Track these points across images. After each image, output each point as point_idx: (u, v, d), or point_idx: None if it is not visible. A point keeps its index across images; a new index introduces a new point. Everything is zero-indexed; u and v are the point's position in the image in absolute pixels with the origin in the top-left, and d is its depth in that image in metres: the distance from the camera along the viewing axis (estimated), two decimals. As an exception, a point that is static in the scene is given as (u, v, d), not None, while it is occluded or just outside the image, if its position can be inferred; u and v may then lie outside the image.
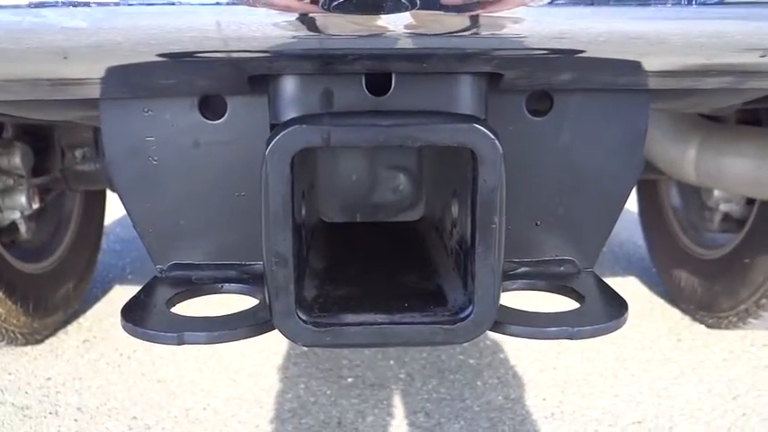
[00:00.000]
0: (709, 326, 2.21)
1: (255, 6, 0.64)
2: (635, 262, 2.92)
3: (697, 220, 2.31)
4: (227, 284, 0.95)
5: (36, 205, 2.01)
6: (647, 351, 2.08)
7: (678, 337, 2.19)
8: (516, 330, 0.81)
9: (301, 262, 0.85)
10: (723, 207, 2.12)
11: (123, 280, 2.78)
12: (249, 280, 0.96)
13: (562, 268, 1.00)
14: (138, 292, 0.91)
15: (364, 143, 0.70)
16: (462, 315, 0.77)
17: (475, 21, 0.66)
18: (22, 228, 2.03)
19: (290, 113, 0.80)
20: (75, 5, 0.64)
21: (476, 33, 0.67)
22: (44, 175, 2.06)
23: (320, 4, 0.64)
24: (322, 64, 0.76)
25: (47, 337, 2.18)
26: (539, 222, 0.97)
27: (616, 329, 0.83)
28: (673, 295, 2.43)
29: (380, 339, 0.77)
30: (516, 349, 2.07)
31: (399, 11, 0.64)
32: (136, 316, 0.84)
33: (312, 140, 0.69)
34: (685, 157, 1.70)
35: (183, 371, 1.95)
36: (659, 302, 2.47)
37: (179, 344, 0.78)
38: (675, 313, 2.37)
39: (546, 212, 0.97)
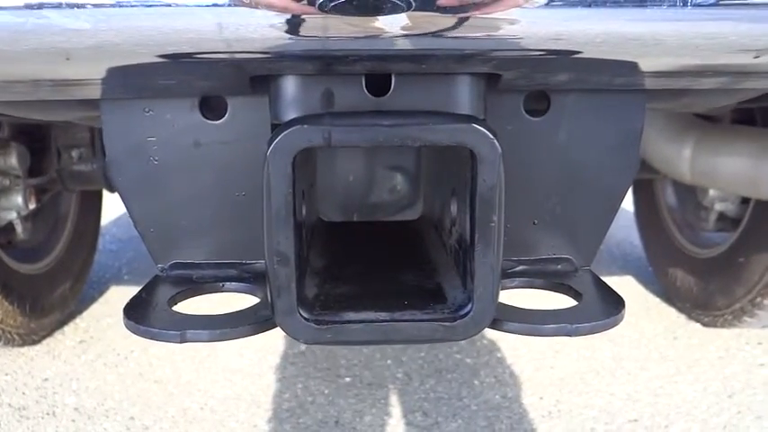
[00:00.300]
0: (704, 324, 2.23)
1: (255, 8, 0.65)
2: (631, 261, 2.93)
3: (692, 219, 2.32)
4: (227, 283, 0.96)
5: (32, 206, 2.02)
6: (644, 349, 2.09)
7: (674, 335, 2.20)
8: (515, 327, 0.82)
9: (302, 261, 0.85)
10: (718, 206, 2.13)
11: (120, 280, 2.78)
12: (250, 279, 0.96)
13: (560, 266, 1.00)
14: (140, 291, 0.91)
15: (365, 143, 0.71)
16: (462, 312, 0.78)
17: (473, 22, 0.66)
18: (19, 228, 2.02)
19: (291, 114, 0.80)
20: (78, 7, 0.64)
21: (474, 34, 0.68)
22: (40, 175, 2.06)
23: (317, 5, 0.64)
24: (323, 65, 0.76)
25: (43, 337, 2.18)
26: (536, 221, 0.98)
27: (614, 326, 0.84)
28: (669, 294, 2.44)
29: (381, 336, 0.78)
30: (513, 348, 2.08)
31: (396, 12, 0.65)
32: (138, 314, 0.84)
33: (314, 140, 0.69)
34: (681, 157, 1.71)
35: (180, 371, 1.96)
36: (655, 301, 2.49)
37: (181, 342, 0.79)
38: (671, 312, 2.38)
39: (543, 211, 0.98)
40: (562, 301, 0.91)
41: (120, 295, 2.61)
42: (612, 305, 0.88)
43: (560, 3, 0.67)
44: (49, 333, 2.21)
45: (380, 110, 0.81)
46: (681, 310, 2.36)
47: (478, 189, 0.72)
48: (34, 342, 2.13)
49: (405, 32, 0.67)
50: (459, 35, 0.68)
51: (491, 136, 0.70)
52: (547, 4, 0.67)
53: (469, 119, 0.73)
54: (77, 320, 2.35)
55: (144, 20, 0.66)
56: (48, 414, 1.74)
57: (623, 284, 2.65)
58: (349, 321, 0.77)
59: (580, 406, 1.76)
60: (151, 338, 0.80)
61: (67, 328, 2.29)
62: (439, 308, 0.81)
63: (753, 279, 1.95)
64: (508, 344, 2.10)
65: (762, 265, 1.92)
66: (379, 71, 0.80)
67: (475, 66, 0.78)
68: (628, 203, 2.79)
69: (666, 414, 1.72)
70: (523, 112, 0.93)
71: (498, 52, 0.72)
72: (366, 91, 0.81)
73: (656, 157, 1.81)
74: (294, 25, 0.67)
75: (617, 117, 0.93)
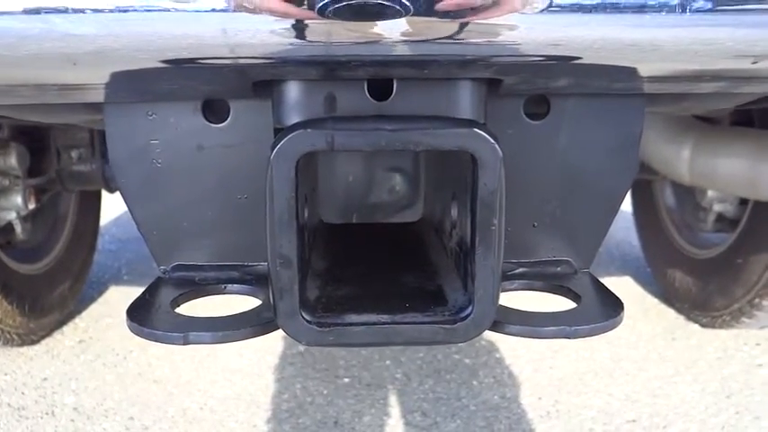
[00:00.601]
0: (703, 325, 2.23)
1: (257, 13, 0.65)
2: (630, 262, 2.93)
3: (691, 220, 2.32)
4: (229, 285, 0.96)
5: (32, 206, 2.02)
6: (642, 350, 2.10)
7: (673, 336, 2.21)
8: (515, 330, 0.82)
9: (304, 263, 0.86)
10: (717, 207, 2.13)
11: (119, 281, 2.78)
12: (252, 281, 0.97)
13: (559, 269, 1.01)
14: (143, 293, 0.92)
15: (368, 147, 0.72)
16: (462, 315, 0.79)
17: (473, 27, 0.67)
18: (18, 228, 2.03)
19: (293, 118, 0.81)
20: (84, 12, 0.64)
21: (474, 40, 0.68)
22: (40, 175, 2.06)
23: (316, 10, 0.65)
24: (325, 70, 0.77)
25: (43, 337, 2.19)
26: (536, 224, 0.99)
27: (612, 328, 0.85)
28: (667, 295, 2.44)
29: (383, 338, 0.78)
30: (512, 349, 2.08)
31: (395, 17, 0.65)
32: (141, 316, 0.85)
33: (317, 144, 0.70)
34: (679, 158, 1.71)
35: (179, 371, 1.96)
36: (654, 302, 2.49)
37: (184, 344, 0.79)
38: (670, 313, 2.39)
39: (543, 214, 0.98)
40: (562, 304, 0.92)
41: (119, 295, 2.61)
42: (611, 307, 0.88)
43: (557, 8, 0.67)
44: (49, 333, 2.21)
45: (383, 114, 0.81)
46: (679, 310, 2.36)
47: (479, 193, 0.72)
48: (33, 342, 2.13)
49: (405, 38, 0.67)
50: (459, 41, 0.68)
51: (492, 140, 0.70)
52: (545, 9, 0.67)
53: (471, 123, 0.74)
54: (77, 320, 2.35)
55: (147, 25, 0.66)
56: (47, 414, 1.74)
57: (622, 285, 2.65)
58: (351, 324, 0.78)
59: (578, 406, 1.76)
60: (155, 341, 0.80)
61: (67, 328, 2.29)
62: (440, 310, 0.82)
63: (751, 280, 1.95)
64: (507, 344, 2.10)
65: (760, 266, 1.92)
66: (381, 76, 0.80)
67: (476, 71, 0.79)
68: (626, 204, 2.80)
69: (665, 415, 1.72)
70: (524, 116, 0.93)
71: (498, 58, 0.73)
72: (368, 95, 0.82)
73: (655, 158, 1.81)
74: (296, 31, 0.67)
75: (616, 121, 0.94)
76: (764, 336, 2.18)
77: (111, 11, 0.65)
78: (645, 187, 2.53)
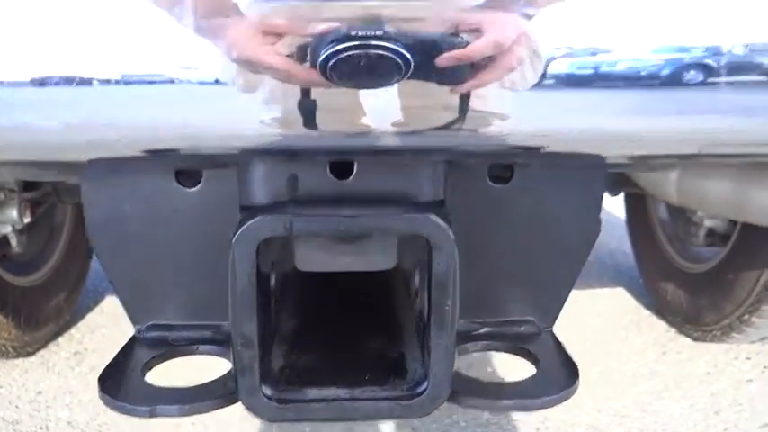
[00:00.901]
0: (694, 339, 2.23)
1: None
2: (623, 272, 2.93)
3: (683, 234, 2.32)
4: (202, 346, 0.98)
5: (27, 219, 2.01)
6: (633, 364, 2.10)
7: (663, 349, 2.21)
8: (472, 402, 0.85)
9: (266, 339, 0.87)
10: (708, 222, 2.13)
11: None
12: (223, 342, 0.98)
13: (523, 328, 1.03)
14: (117, 355, 0.94)
15: (326, 232, 0.74)
16: (419, 390, 0.81)
17: (441, 119, 0.69)
18: (14, 242, 2.03)
19: (258, 196, 0.83)
20: (72, 82, 0.66)
21: (438, 133, 0.70)
22: (35, 189, 2.06)
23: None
24: (289, 156, 0.79)
25: (38, 349, 2.19)
26: (501, 284, 1.00)
27: (566, 399, 0.88)
28: (659, 307, 2.44)
29: (341, 414, 0.81)
30: (502, 364, 2.09)
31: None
32: (112, 386, 0.87)
33: (276, 230, 0.73)
34: (667, 179, 1.71)
35: (173, 384, 1.96)
36: (646, 314, 2.49)
37: (151, 417, 0.82)
38: (661, 325, 2.39)
39: (508, 274, 1.00)
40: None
41: (115, 304, 2.60)
42: (567, 376, 0.91)
43: (551, 79, 0.69)
44: (44, 345, 2.22)
45: (341, 197, 0.83)
46: (671, 323, 2.36)
47: (434, 273, 0.75)
48: (28, 354, 2.14)
49: (368, 129, 0.69)
50: (424, 134, 0.70)
51: (445, 226, 0.73)
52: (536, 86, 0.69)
53: (426, 208, 0.76)
54: (72, 331, 2.36)
55: (121, 117, 0.68)
56: (41, 428, 1.76)
57: (615, 296, 2.65)
58: (310, 400, 0.80)
59: (568, 423, 1.77)
60: (124, 413, 0.83)
61: (62, 339, 2.30)
62: (398, 383, 0.84)
63: (741, 296, 1.96)
64: (497, 359, 2.11)
65: (750, 282, 1.92)
66: (343, 160, 0.82)
67: (438, 156, 0.81)
68: (620, 211, 2.80)
69: (653, 430, 1.73)
70: (488, 180, 0.95)
71: (461, 148, 0.75)
72: (330, 175, 0.83)
73: (644, 178, 1.82)
74: (263, 123, 0.70)
75: (578, 184, 0.96)
76: (755, 350, 2.18)
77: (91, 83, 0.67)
78: (638, 200, 2.53)
